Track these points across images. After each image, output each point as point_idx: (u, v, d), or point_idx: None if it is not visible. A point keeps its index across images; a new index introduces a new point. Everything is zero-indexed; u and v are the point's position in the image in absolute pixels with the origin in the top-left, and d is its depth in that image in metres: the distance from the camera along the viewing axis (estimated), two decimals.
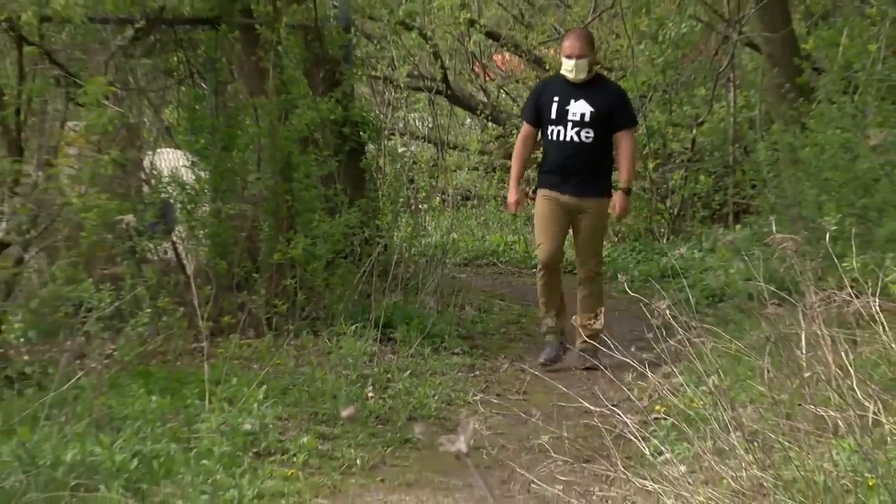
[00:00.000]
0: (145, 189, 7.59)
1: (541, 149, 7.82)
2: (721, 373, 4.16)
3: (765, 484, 3.68)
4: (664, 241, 11.86)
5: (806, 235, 6.11)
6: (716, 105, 12.46)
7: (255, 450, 5.50)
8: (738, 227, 10.73)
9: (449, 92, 13.28)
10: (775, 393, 3.91)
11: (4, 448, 4.68)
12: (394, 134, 11.30)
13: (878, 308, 3.87)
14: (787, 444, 3.75)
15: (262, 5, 7.89)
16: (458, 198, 13.49)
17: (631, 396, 4.63)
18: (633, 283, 9.04)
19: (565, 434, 4.94)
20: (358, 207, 8.16)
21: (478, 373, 7.43)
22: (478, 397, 6.76)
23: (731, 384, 4.45)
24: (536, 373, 7.30)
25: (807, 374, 3.78)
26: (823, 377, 3.76)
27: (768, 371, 4.02)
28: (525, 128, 7.74)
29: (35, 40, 6.63)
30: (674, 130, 12.59)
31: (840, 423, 3.71)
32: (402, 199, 9.37)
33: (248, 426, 5.52)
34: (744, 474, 3.76)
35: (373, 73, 11.54)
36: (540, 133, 7.62)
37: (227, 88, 8.07)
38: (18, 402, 5.30)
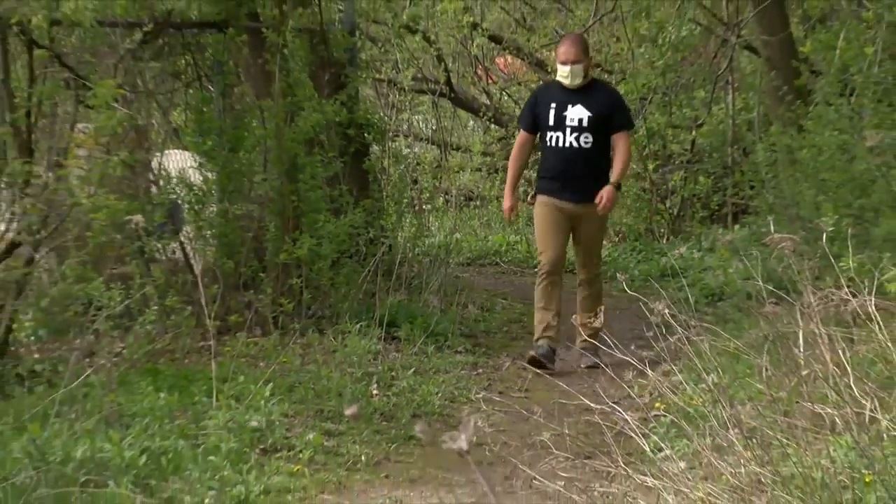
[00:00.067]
0: (154, 190, 7.61)
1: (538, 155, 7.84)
2: (720, 371, 4.14)
3: (763, 480, 3.67)
4: (664, 241, 11.87)
5: (804, 235, 6.05)
6: (715, 107, 12.46)
7: (261, 446, 5.51)
8: (736, 227, 10.71)
9: (452, 94, 13.24)
10: (773, 390, 3.90)
11: (15, 444, 4.70)
12: (398, 136, 11.28)
13: (874, 307, 3.85)
14: (785, 440, 3.75)
15: (268, 9, 7.90)
16: (462, 198, 13.43)
17: (631, 394, 4.54)
18: (633, 282, 9.05)
19: (566, 431, 4.87)
20: (363, 208, 8.18)
21: (480, 371, 7.44)
22: (480, 395, 6.76)
23: (730, 382, 4.45)
24: (538, 371, 7.35)
25: (804, 372, 3.77)
26: (821, 375, 3.74)
27: (766, 369, 4.00)
28: (522, 135, 7.72)
29: (45, 44, 6.63)
30: (673, 132, 12.60)
31: (837, 420, 3.70)
32: (406, 200, 9.36)
33: (254, 423, 5.54)
34: (742, 470, 3.74)
35: (377, 75, 11.53)
36: (538, 139, 7.61)
37: (234, 91, 8.11)
38: (29, 400, 5.32)
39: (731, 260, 8.48)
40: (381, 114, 10.32)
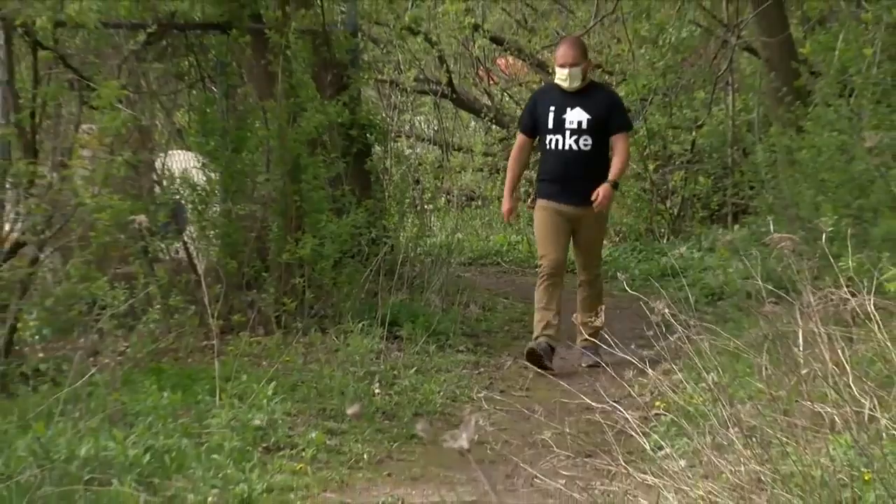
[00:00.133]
0: (157, 190, 7.62)
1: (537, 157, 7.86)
2: (720, 370, 4.14)
3: (763, 478, 3.67)
4: (664, 240, 11.88)
5: (803, 235, 6.03)
6: (715, 108, 12.47)
7: (264, 445, 5.53)
8: (736, 227, 10.73)
9: (454, 95, 13.23)
10: (773, 389, 3.90)
11: (20, 443, 4.70)
12: (400, 136, 11.31)
13: (873, 306, 3.85)
14: (784, 439, 3.74)
15: (271, 11, 7.92)
16: (463, 198, 13.47)
17: (632, 393, 4.51)
18: (634, 281, 9.03)
19: (567, 430, 4.87)
20: (365, 208, 8.20)
21: (482, 370, 7.46)
22: (482, 394, 6.79)
23: (730, 381, 4.44)
24: (539, 370, 7.38)
25: (804, 371, 3.77)
26: (820, 374, 3.74)
27: (766, 368, 4.00)
28: (520, 138, 7.73)
29: (50, 45, 6.65)
30: (674, 133, 12.63)
31: (837, 418, 3.71)
32: (408, 200, 9.38)
33: (257, 422, 5.57)
34: (742, 469, 3.74)
35: (379, 76, 11.54)
36: (537, 143, 7.62)
37: (237, 92, 8.10)
38: (33, 399, 5.32)
39: (731, 260, 8.47)
40: (384, 114, 10.35)
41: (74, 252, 6.10)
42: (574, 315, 6.46)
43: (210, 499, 4.74)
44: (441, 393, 6.66)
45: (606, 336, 4.72)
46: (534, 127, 7.58)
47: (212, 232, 7.67)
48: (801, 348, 3.91)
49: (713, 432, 3.98)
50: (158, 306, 6.71)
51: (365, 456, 5.60)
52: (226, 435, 5.32)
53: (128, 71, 7.29)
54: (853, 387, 3.70)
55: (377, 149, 9.27)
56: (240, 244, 7.61)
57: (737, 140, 12.02)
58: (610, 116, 7.49)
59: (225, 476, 4.98)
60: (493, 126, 14.20)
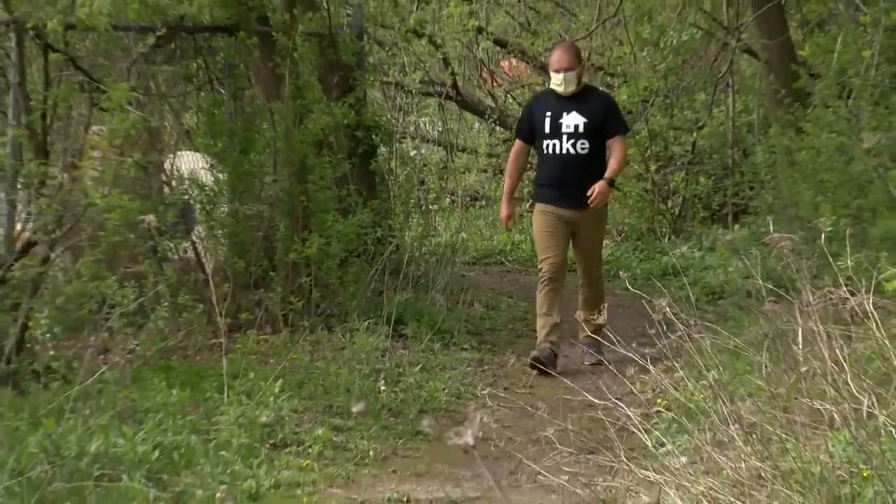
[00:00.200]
0: (166, 190, 7.65)
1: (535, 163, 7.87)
2: (720, 367, 4.17)
3: (763, 474, 3.69)
4: (665, 240, 11.91)
5: (802, 235, 6.00)
6: (715, 109, 12.48)
7: (271, 441, 5.56)
8: (736, 227, 10.74)
9: (458, 97, 13.19)
10: (773, 387, 3.93)
11: (31, 439, 4.72)
12: (405, 137, 11.32)
13: (871, 305, 3.87)
14: (784, 436, 3.77)
15: (278, 14, 7.95)
16: (467, 199, 13.45)
17: (633, 390, 4.54)
18: (636, 280, 9.08)
19: (570, 426, 4.89)
20: (370, 208, 8.21)
21: (486, 367, 7.48)
22: (486, 391, 6.81)
23: (731, 378, 4.48)
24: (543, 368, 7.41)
25: (803, 369, 3.78)
26: (819, 372, 3.75)
27: (766, 366, 4.03)
28: (518, 144, 7.74)
29: (60, 48, 6.67)
30: (675, 134, 12.65)
31: (836, 415, 3.73)
32: (412, 200, 9.40)
33: (265, 418, 5.60)
34: (743, 465, 3.77)
35: (385, 78, 11.55)
36: (535, 148, 7.62)
37: (244, 94, 8.13)
38: (44, 396, 5.32)
39: (732, 259, 8.45)
40: (389, 116, 10.34)
41: (85, 251, 6.10)
42: (577, 312, 6.51)
43: (218, 495, 4.75)
44: (446, 390, 6.69)
45: (609, 334, 4.74)
46: (531, 133, 7.59)
47: (220, 232, 7.71)
48: (800, 346, 3.94)
49: (714, 429, 4.02)
50: (167, 305, 6.75)
51: (371, 452, 5.63)
52: (234, 431, 5.37)
53: (137, 73, 7.32)
54: (852, 384, 3.74)
55: (383, 150, 9.28)
56: (247, 244, 7.63)
57: (737, 141, 12.05)
58: (606, 120, 7.48)
59: (233, 472, 5.02)
60: (497, 127, 14.22)
